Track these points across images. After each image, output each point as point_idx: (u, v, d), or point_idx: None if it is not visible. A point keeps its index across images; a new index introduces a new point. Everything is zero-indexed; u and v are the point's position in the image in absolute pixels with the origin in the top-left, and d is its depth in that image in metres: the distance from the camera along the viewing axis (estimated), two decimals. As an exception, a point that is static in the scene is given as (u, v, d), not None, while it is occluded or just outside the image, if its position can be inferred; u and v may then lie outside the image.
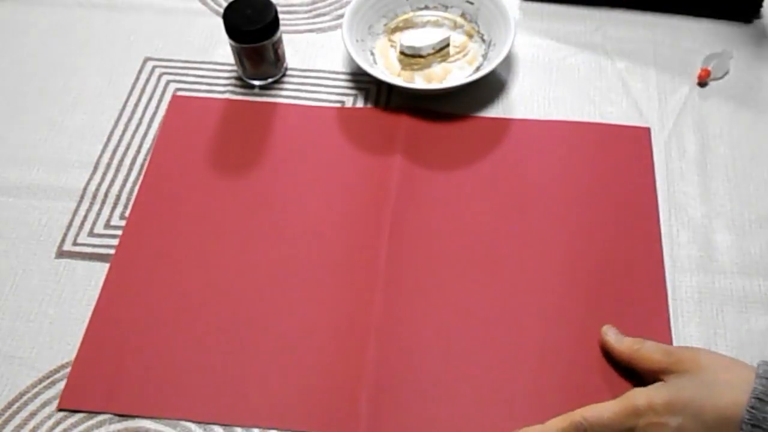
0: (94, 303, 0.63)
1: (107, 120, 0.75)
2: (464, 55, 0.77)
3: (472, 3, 0.78)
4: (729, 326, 0.61)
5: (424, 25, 0.80)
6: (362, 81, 0.77)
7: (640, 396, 0.52)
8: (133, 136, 0.74)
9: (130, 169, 0.71)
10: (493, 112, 0.74)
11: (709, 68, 0.75)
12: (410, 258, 0.65)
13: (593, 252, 0.64)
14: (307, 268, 0.64)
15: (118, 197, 0.69)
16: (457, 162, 0.70)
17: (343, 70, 0.78)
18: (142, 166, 0.71)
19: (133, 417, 0.58)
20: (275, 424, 0.57)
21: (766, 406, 0.48)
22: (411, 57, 0.76)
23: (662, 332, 0.60)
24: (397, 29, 0.79)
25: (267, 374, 0.59)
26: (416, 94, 0.75)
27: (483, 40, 0.78)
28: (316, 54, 0.80)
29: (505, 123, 0.73)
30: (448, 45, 0.76)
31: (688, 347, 0.57)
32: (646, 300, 0.62)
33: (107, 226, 0.68)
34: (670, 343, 0.59)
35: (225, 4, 0.75)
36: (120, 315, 0.62)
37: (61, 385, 0.59)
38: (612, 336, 0.58)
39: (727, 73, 0.76)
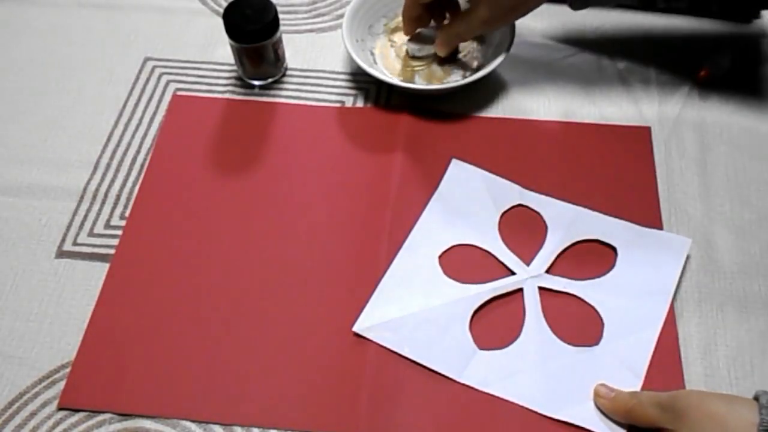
0: (94, 303, 0.63)
1: (107, 120, 0.75)
2: (464, 55, 0.77)
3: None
4: (729, 326, 0.61)
5: (424, 25, 0.80)
6: (362, 81, 0.77)
7: None
8: (133, 136, 0.74)
9: (130, 169, 0.71)
10: (493, 112, 0.74)
11: (709, 68, 0.75)
12: (410, 258, 0.65)
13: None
14: (308, 267, 0.64)
15: (118, 197, 0.69)
16: (457, 162, 0.70)
17: (343, 70, 0.78)
18: (142, 166, 0.71)
19: (133, 416, 0.58)
20: (275, 424, 0.57)
21: None
22: (417, 59, 0.76)
23: (667, 330, 0.60)
24: (397, 29, 0.79)
25: (267, 374, 0.59)
26: (416, 94, 0.75)
27: (483, 40, 0.78)
28: (316, 54, 0.80)
29: (505, 123, 0.73)
30: (458, 51, 0.76)
31: (682, 395, 0.52)
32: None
33: (107, 226, 0.68)
34: (676, 339, 0.59)
35: (225, 4, 0.75)
36: (120, 315, 0.62)
37: (61, 385, 0.59)
38: (603, 395, 0.56)
39: (727, 73, 0.75)
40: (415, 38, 0.76)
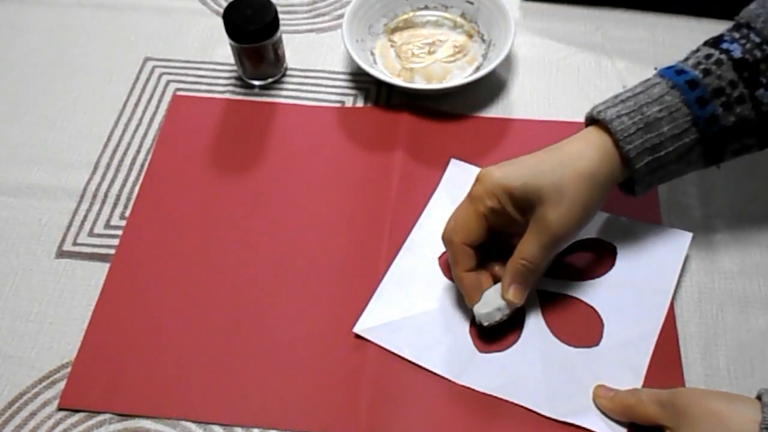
0: (94, 303, 0.63)
1: (107, 120, 0.75)
2: (464, 55, 0.77)
3: (472, 3, 0.79)
4: (729, 326, 0.61)
5: (424, 25, 0.80)
6: (362, 81, 0.77)
7: None
8: (133, 136, 0.74)
9: (130, 169, 0.71)
10: (493, 112, 0.74)
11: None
12: (410, 258, 0.65)
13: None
14: (308, 267, 0.64)
15: (118, 197, 0.69)
16: (457, 162, 0.70)
17: (343, 70, 0.78)
18: (142, 166, 0.71)
19: (133, 417, 0.58)
20: (275, 424, 0.57)
21: None
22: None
23: (667, 330, 0.59)
24: (397, 29, 0.79)
25: (267, 374, 0.59)
26: (416, 94, 0.75)
27: (483, 40, 0.78)
28: (316, 54, 0.80)
29: (505, 123, 0.73)
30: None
31: (683, 393, 0.53)
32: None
33: (107, 226, 0.68)
34: (676, 340, 0.59)
35: (225, 4, 0.75)
36: (120, 315, 0.62)
37: (61, 385, 0.59)
38: (602, 394, 0.56)
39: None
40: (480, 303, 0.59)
